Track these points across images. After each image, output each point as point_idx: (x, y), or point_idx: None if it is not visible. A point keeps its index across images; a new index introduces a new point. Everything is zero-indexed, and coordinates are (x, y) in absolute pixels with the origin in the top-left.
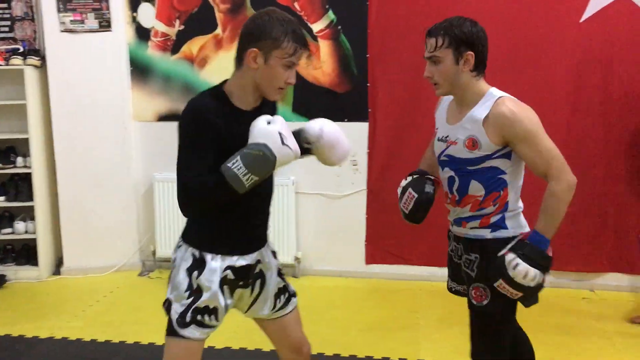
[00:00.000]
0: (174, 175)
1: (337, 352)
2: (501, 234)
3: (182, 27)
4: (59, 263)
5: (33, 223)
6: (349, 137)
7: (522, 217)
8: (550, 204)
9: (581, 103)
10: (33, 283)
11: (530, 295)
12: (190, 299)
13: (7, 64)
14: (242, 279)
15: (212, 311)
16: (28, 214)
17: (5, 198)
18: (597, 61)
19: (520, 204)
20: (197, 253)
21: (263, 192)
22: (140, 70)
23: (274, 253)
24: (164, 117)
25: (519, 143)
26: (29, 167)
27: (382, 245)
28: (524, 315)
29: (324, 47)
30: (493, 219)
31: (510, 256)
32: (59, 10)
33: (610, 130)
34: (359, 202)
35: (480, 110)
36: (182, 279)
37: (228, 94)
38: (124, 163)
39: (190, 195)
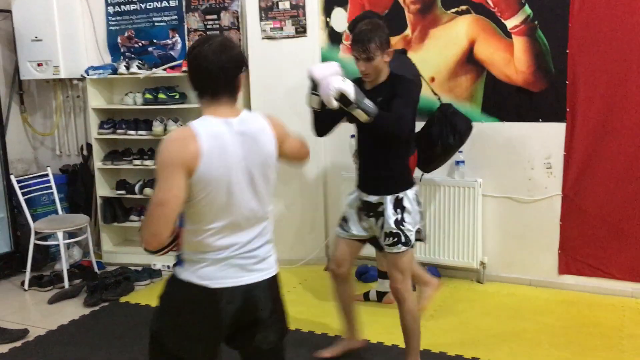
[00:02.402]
0: None
1: None
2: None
3: None
4: None
5: None
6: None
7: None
8: None
9: None
10: None
11: None
12: (344, 211)
13: None
14: (365, 210)
15: (346, 219)
16: None
17: None
18: None
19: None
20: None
21: (370, 144)
22: None
23: (398, 205)
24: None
25: None
26: None
27: (577, 255)
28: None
29: (518, 44)
30: None
31: None
32: (261, 19)
33: None
34: (552, 208)
35: None
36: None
37: None
38: (313, 162)
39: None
